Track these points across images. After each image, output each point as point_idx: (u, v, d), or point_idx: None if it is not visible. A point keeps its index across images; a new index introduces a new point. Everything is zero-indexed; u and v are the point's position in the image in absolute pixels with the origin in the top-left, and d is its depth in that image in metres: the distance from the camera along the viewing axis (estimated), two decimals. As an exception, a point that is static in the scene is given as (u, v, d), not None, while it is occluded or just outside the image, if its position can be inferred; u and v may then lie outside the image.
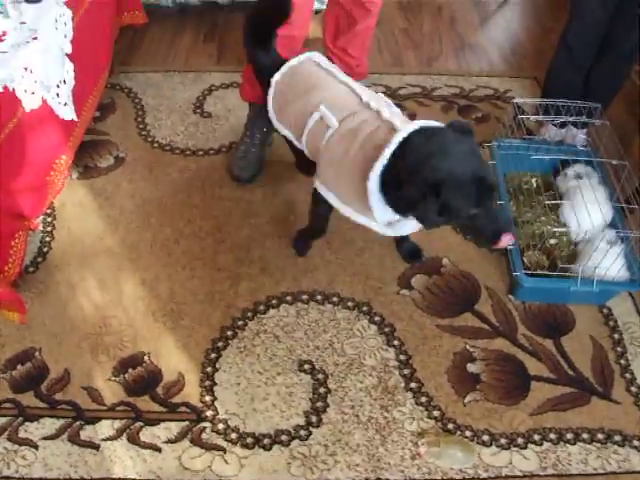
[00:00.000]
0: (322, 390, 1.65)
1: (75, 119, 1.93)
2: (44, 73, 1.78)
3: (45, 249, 1.99)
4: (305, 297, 1.83)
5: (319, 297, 1.83)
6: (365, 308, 1.82)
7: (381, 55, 2.84)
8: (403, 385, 1.66)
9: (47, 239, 2.02)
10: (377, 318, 1.80)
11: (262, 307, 1.81)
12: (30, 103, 1.70)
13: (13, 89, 1.63)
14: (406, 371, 1.69)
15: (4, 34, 1.79)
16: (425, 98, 2.57)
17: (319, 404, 1.62)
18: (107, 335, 1.75)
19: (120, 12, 2.42)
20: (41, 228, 2.05)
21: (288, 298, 1.83)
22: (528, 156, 2.04)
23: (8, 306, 1.58)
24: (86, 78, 2.06)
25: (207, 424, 1.58)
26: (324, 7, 2.39)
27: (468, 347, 1.75)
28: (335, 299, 1.83)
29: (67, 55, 1.91)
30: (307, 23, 1.95)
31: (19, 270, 1.67)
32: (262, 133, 2.17)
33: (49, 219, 2.07)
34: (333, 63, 2.16)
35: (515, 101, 2.23)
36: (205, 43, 2.91)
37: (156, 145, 2.33)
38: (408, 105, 2.52)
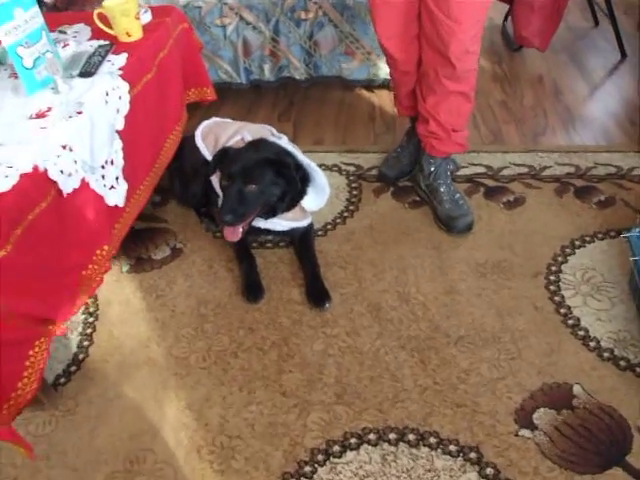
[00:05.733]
0: None
1: (121, 205, 1.65)
2: (88, 152, 1.52)
3: (81, 356, 1.68)
4: (393, 437, 1.39)
5: (412, 437, 1.39)
6: (473, 455, 1.35)
7: (478, 131, 2.49)
8: None
9: (85, 343, 1.71)
10: (489, 470, 1.33)
11: (337, 448, 1.38)
12: (68, 185, 1.42)
13: (45, 169, 1.36)
14: None
15: (48, 109, 1.56)
16: (534, 179, 2.17)
17: None
18: (138, 475, 1.38)
19: (186, 88, 2.19)
20: (80, 330, 1.75)
21: (371, 437, 1.40)
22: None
23: (12, 441, 1.25)
24: (141, 159, 1.80)
25: None
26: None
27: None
28: (433, 440, 1.38)
29: (117, 132, 1.65)
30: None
31: (36, 387, 1.34)
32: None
33: (91, 319, 1.78)
34: (428, 124, 1.95)
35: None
36: (280, 122, 2.68)
37: (219, 235, 2.01)
38: (514, 187, 2.12)
